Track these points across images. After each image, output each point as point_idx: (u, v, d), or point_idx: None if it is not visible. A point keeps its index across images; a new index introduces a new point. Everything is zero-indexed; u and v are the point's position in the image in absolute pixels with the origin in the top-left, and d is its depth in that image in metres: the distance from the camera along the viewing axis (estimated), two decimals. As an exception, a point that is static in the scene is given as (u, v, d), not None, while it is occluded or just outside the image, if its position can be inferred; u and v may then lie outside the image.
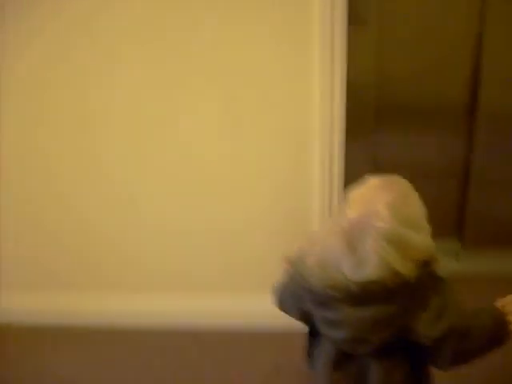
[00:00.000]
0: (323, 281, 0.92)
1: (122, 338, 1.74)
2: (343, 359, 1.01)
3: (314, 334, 1.07)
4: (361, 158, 1.86)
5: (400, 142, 1.92)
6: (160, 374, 1.63)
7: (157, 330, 1.74)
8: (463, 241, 2.03)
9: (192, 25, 1.47)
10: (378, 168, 1.75)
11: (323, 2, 1.40)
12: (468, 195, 1.97)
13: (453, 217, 2.03)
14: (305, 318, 1.05)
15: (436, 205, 1.96)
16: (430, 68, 1.83)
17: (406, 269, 0.89)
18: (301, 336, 1.12)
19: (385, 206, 0.92)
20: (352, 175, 1.28)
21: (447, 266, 1.91)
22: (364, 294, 0.90)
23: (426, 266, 0.91)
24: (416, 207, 0.98)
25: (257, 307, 1.64)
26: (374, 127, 1.88)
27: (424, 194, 1.92)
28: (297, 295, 1.02)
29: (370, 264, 0.89)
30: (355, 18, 1.58)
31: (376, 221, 0.91)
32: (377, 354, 0.97)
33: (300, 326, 1.10)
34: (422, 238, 0.92)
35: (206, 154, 1.61)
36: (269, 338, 1.70)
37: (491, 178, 1.94)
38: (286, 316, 1.12)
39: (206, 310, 1.75)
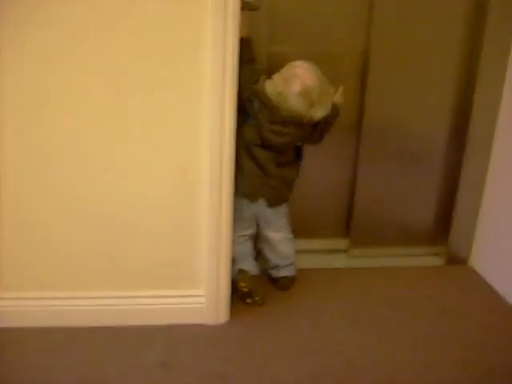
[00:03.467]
0: (292, 113, 1.75)
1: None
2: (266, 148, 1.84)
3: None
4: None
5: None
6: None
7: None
8: (351, 240, 2.31)
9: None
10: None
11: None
12: (354, 203, 2.26)
13: (343, 220, 2.33)
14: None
15: (328, 210, 2.27)
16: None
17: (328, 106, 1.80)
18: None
19: (317, 76, 1.76)
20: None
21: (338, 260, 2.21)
22: (307, 124, 1.80)
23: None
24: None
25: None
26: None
27: (319, 202, 2.22)
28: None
29: (325, 107, 1.78)
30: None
31: (317, 86, 1.75)
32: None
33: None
34: (332, 88, 1.82)
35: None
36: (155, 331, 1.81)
37: (373, 189, 2.25)
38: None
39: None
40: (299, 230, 2.09)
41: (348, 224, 2.30)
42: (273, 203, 1.91)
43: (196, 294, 1.84)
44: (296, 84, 1.73)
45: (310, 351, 1.76)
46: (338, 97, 1.87)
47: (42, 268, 1.77)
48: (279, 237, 1.99)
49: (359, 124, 2.15)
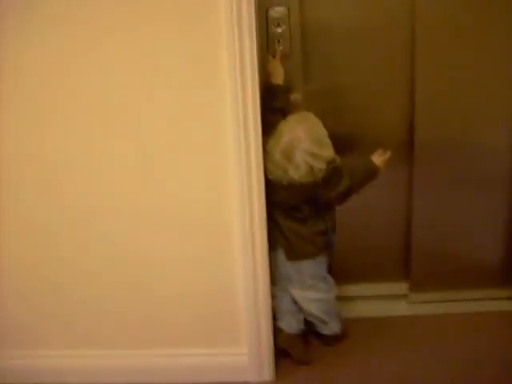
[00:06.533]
0: (277, 177, 1.62)
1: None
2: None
3: None
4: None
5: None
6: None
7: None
8: (411, 284, 2.11)
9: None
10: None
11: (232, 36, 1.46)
12: (412, 240, 2.05)
13: (400, 261, 2.12)
14: None
15: (384, 250, 2.06)
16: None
17: (319, 171, 1.59)
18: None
19: (303, 133, 1.57)
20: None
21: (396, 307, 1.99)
22: (295, 184, 1.60)
23: (329, 164, 1.60)
24: (321, 131, 1.61)
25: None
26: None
27: (372, 241, 2.02)
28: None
29: (302, 169, 1.57)
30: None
31: (300, 142, 1.56)
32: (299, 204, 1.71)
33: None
34: (326, 152, 1.60)
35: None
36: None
37: (433, 222, 2.02)
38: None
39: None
40: (350, 273, 1.97)
41: (407, 265, 2.10)
42: (290, 257, 1.76)
43: (238, 353, 1.78)
44: (279, 142, 1.59)
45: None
46: (378, 159, 1.75)
47: (78, 325, 1.79)
48: (304, 296, 1.83)
49: (410, 145, 1.94)
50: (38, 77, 1.55)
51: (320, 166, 1.59)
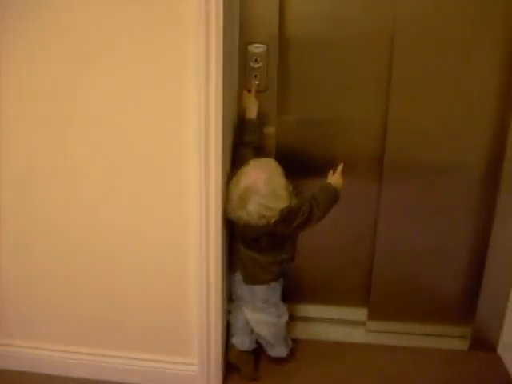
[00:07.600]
0: (233, 217, 1.68)
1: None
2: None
3: None
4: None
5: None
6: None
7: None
8: (369, 311, 2.17)
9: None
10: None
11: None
12: (374, 270, 2.11)
13: (362, 287, 2.17)
14: None
15: (346, 274, 2.13)
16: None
17: (271, 217, 1.63)
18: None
19: (261, 183, 1.62)
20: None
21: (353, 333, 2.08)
22: (250, 224, 1.65)
23: (282, 211, 1.64)
24: (280, 182, 1.66)
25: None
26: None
27: (336, 263, 2.09)
28: None
29: (254, 216, 1.62)
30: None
31: (255, 193, 1.61)
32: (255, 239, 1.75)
33: None
34: (280, 204, 1.64)
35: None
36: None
37: (396, 252, 2.08)
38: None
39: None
40: (311, 294, 2.02)
41: (368, 292, 2.15)
42: (246, 280, 1.83)
43: (188, 362, 1.87)
44: (237, 186, 1.65)
45: None
46: (334, 178, 1.75)
47: (46, 321, 1.92)
48: (255, 318, 1.89)
49: (380, 168, 1.99)
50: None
51: (272, 214, 1.63)
